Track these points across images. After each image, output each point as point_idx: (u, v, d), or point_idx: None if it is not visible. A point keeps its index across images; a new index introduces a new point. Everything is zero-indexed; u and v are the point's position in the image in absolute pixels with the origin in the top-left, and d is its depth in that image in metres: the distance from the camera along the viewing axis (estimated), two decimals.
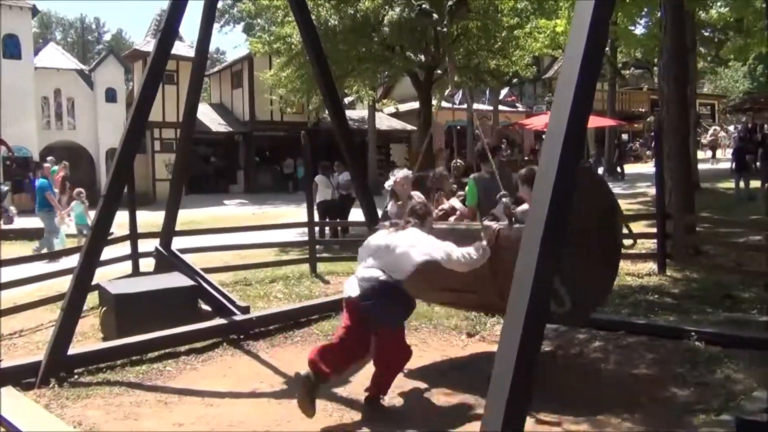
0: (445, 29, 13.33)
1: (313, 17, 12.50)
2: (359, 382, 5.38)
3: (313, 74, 8.39)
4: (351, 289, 4.68)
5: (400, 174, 6.18)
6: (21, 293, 8.20)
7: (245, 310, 6.91)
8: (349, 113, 31.29)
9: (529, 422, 4.34)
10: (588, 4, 2.81)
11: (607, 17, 2.90)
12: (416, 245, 4.62)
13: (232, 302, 6.99)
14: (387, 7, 12.50)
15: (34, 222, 17.71)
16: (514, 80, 34.66)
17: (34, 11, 26.58)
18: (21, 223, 18.80)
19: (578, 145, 2.92)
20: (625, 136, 37.59)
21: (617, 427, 4.28)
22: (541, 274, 2.68)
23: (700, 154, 30.65)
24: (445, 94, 29.89)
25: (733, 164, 18.52)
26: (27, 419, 4.44)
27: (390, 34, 12.48)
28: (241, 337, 6.64)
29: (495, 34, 14.17)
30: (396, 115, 32.00)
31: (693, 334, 5.68)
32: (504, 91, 37.74)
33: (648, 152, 32.69)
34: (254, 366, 5.97)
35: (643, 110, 37.77)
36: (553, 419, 4.45)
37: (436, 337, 6.73)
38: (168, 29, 6.29)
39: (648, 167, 26.13)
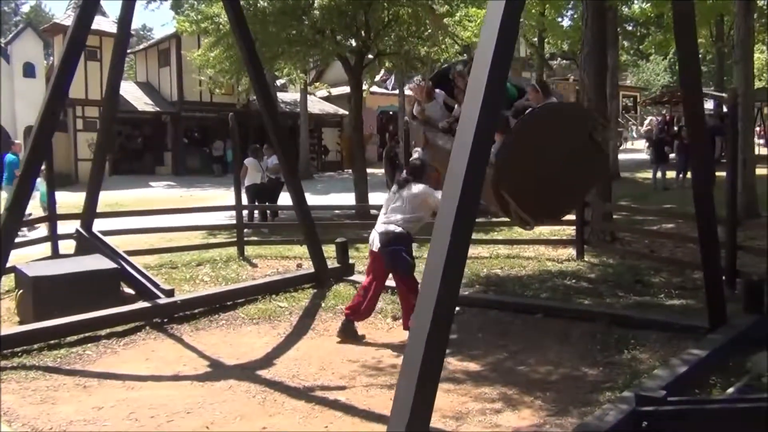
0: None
1: None
2: (284, 367, 5.46)
3: (241, 56, 8.27)
4: (373, 242, 6.07)
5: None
6: None
7: (169, 293, 6.83)
8: (281, 96, 31.06)
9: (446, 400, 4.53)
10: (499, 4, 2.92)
11: (517, 15, 3.00)
12: (425, 198, 5.94)
13: (156, 285, 6.89)
14: None
15: None
16: (444, 66, 35.09)
17: None
18: None
19: (488, 143, 3.02)
20: None
21: (530, 404, 4.48)
22: (450, 272, 2.76)
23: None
24: (376, 78, 30.07)
25: (651, 155, 19.35)
26: None
27: (320, 18, 12.38)
28: (165, 320, 6.57)
29: (425, 21, 14.24)
30: (328, 99, 31.84)
31: (604, 316, 5.99)
32: None
33: None
34: (177, 349, 5.93)
35: (571, 101, 38.88)
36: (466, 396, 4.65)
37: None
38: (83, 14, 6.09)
39: None
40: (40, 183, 12.81)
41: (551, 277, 8.05)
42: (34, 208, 12.37)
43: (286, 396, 4.80)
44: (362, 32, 13.70)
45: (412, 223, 6.06)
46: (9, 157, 13.28)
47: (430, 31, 14.60)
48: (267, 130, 7.70)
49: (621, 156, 22.67)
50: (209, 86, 19.45)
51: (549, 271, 8.47)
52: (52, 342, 5.80)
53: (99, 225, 8.42)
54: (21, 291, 6.63)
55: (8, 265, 6.12)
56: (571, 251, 9.34)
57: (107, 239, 8.06)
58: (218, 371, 5.34)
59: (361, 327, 6.49)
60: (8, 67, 25.52)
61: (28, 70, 25.55)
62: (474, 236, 10.74)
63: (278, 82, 30.99)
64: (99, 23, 25.59)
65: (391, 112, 32.70)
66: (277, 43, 13.23)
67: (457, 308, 5.90)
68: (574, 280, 7.86)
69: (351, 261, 8.52)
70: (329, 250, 8.49)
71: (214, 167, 27.96)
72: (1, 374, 5.08)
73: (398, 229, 5.96)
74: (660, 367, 4.54)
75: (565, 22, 25.90)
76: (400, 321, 6.80)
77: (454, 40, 16.16)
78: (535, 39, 26.31)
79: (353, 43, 13.91)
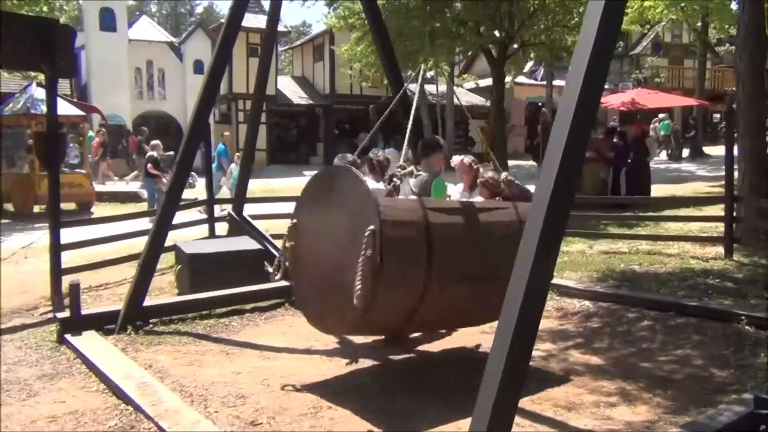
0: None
1: None
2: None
3: (376, 48, 8.58)
4: None
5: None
6: (110, 249, 8.92)
7: None
8: (428, 88, 31.39)
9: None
10: None
11: (617, 16, 2.94)
12: None
13: None
14: None
15: (132, 186, 18.94)
16: None
17: None
18: (120, 187, 20.04)
19: (582, 145, 2.99)
20: (717, 116, 35.94)
21: (647, 401, 4.39)
22: (537, 275, 2.78)
23: None
24: (525, 69, 29.55)
25: None
26: (104, 359, 4.97)
27: (462, 10, 12.50)
28: None
29: (573, 10, 13.90)
30: (476, 90, 31.76)
31: (743, 317, 5.67)
32: None
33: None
34: (312, 328, 6.34)
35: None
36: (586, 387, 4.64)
37: None
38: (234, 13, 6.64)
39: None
40: (234, 168, 14.30)
41: (693, 276, 7.66)
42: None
43: (404, 373, 5.04)
44: (506, 23, 13.65)
45: None
46: (219, 146, 14.98)
47: (577, 19, 14.24)
48: (416, 121, 7.89)
49: None
50: (357, 79, 20.14)
51: (692, 269, 8.06)
52: (203, 312, 6.45)
53: (252, 209, 9.14)
54: (179, 266, 7.41)
55: (172, 243, 6.87)
56: (719, 249, 8.81)
57: (256, 222, 8.76)
58: (346, 348, 5.68)
59: None
60: (181, 65, 27.89)
61: (198, 67, 27.75)
62: (615, 231, 10.64)
63: (428, 75, 31.38)
64: (261, 22, 27.34)
65: (540, 103, 32.01)
66: (420, 37, 13.53)
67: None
68: (717, 280, 7.43)
69: None
70: None
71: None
72: (160, 337, 5.77)
73: None
74: None
75: (734, 5, 24.05)
76: None
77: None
78: (699, 24, 24.61)
79: (497, 34, 13.88)
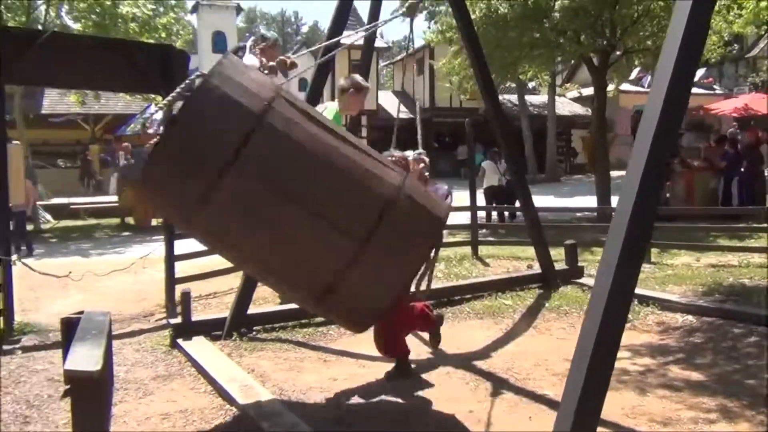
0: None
1: (484, 5, 12.82)
2: (500, 360, 5.73)
3: (468, 59, 8.66)
4: None
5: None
6: (220, 260, 9.41)
7: None
8: (529, 98, 31.08)
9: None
10: None
11: (705, 16, 2.93)
12: None
13: None
14: None
15: None
16: (712, 60, 32.17)
17: (238, 9, 29.33)
18: None
19: (670, 140, 2.98)
20: None
21: (749, 418, 4.23)
22: (622, 280, 2.80)
23: None
24: (631, 77, 28.61)
25: None
26: (212, 363, 5.32)
27: (561, 19, 12.34)
28: None
29: None
30: (579, 99, 31.10)
31: None
32: (700, 72, 35.18)
33: None
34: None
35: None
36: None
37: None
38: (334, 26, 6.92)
39: None
40: None
41: None
42: None
43: (497, 386, 5.07)
44: (607, 31, 13.35)
45: None
46: None
47: None
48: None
49: None
50: (456, 93, 20.25)
51: None
52: (303, 321, 6.71)
53: None
54: None
55: None
56: None
57: None
58: (439, 359, 5.77)
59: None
60: (287, 83, 29.01)
61: (303, 85, 28.70)
62: (726, 243, 10.15)
63: (530, 85, 31.07)
64: (360, 39, 28.04)
65: None
66: (518, 47, 13.47)
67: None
68: None
69: (582, 264, 8.49)
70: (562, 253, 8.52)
71: (461, 170, 28.91)
72: (262, 344, 6.09)
73: None
74: None
75: None
76: (628, 325, 6.68)
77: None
78: None
79: (597, 42, 13.60)
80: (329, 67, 7.17)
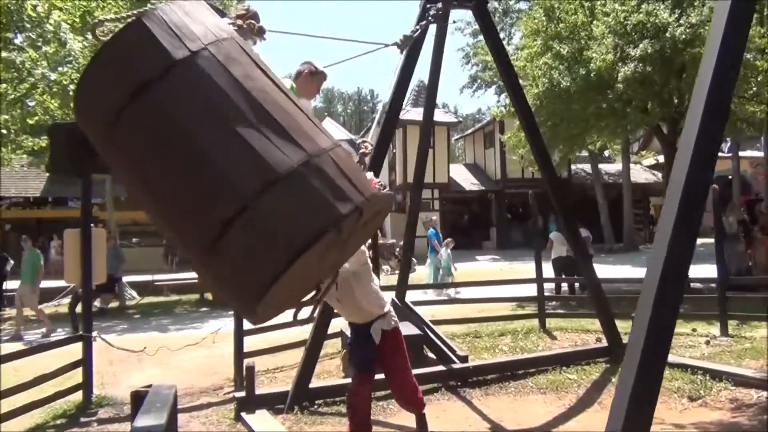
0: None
1: (546, 80, 13.05)
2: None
3: (523, 132, 8.83)
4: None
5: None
6: (289, 335, 9.65)
7: (464, 359, 7.47)
8: (604, 167, 30.78)
9: None
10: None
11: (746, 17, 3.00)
12: None
13: (453, 351, 7.60)
14: (620, 64, 12.48)
15: None
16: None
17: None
18: None
19: (714, 150, 3.03)
20: None
21: None
22: (664, 299, 2.82)
23: None
24: None
25: None
26: None
27: (624, 90, 12.39)
28: (459, 384, 7.19)
29: (750, 79, 13.23)
30: (656, 167, 30.53)
31: None
32: None
33: None
34: (465, 411, 6.46)
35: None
36: None
37: None
38: (392, 103, 7.27)
39: None
40: (444, 252, 15.34)
41: None
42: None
43: None
44: (675, 99, 13.29)
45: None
46: (430, 231, 16.62)
47: (755, 89, 13.52)
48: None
49: None
50: (525, 164, 20.36)
51: None
52: None
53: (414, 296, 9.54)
54: (344, 351, 7.90)
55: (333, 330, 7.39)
56: None
57: (419, 308, 9.12)
58: None
59: None
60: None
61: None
62: None
63: (606, 153, 30.82)
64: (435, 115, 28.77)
65: (729, 176, 29.97)
66: (582, 119, 13.56)
67: None
68: None
69: None
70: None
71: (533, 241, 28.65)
72: (323, 417, 6.20)
73: None
74: None
75: None
76: (699, 401, 6.43)
77: None
78: None
79: (665, 110, 13.53)
80: (389, 139, 7.48)
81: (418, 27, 6.14)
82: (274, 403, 6.45)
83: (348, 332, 7.98)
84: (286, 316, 9.20)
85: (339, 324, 8.28)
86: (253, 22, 4.94)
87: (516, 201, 31.44)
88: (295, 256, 2.92)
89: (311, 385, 6.67)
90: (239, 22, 4.52)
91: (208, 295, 16.84)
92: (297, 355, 8.76)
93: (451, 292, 13.70)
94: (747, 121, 14.30)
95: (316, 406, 6.53)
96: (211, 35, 3.17)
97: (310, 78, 4.77)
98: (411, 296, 9.63)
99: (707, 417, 5.94)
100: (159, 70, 2.98)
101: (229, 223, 2.89)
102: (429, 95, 8.92)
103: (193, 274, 19.25)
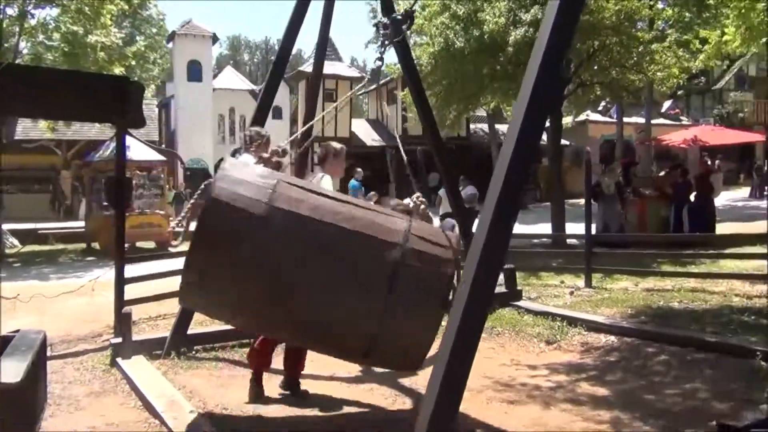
0: (577, 45, 13.50)
1: (442, 40, 13.33)
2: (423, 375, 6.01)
3: (411, 96, 9.09)
4: None
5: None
6: (172, 283, 9.62)
7: None
8: (502, 127, 31.67)
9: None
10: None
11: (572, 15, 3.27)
12: None
13: None
14: (512, 27, 12.91)
15: None
16: (679, 92, 33.15)
17: (214, 39, 29.81)
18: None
19: (535, 140, 3.30)
20: None
21: (636, 429, 4.56)
22: (479, 291, 3.12)
23: None
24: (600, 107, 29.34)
25: None
26: (144, 380, 5.56)
27: (515, 53, 12.84)
28: None
29: (632, 50, 13.99)
30: (547, 129, 31.79)
31: (758, 353, 5.68)
32: (667, 104, 36.15)
33: None
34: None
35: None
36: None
37: (514, 342, 7.14)
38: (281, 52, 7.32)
39: None
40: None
41: (730, 313, 7.60)
42: None
43: (415, 401, 5.36)
44: (562, 64, 13.89)
45: None
46: (352, 182, 16.17)
47: (635, 59, 14.31)
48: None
49: None
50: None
51: (731, 306, 7.99)
52: (243, 341, 6.96)
53: None
54: None
55: None
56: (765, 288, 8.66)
57: None
58: (366, 375, 6.05)
59: (511, 348, 6.86)
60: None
61: (277, 113, 29.18)
62: (668, 269, 10.52)
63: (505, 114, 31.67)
64: (335, 68, 28.62)
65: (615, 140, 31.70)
66: (476, 80, 13.97)
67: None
68: (753, 317, 7.36)
69: (527, 287, 8.88)
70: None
71: (431, 197, 29.36)
72: (199, 362, 6.34)
73: None
74: None
75: None
76: (554, 345, 7.01)
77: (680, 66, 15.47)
78: None
79: None
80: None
81: None
82: (152, 349, 6.52)
83: None
84: (169, 263, 9.08)
85: None
86: (276, 149, 5.24)
87: (416, 157, 31.99)
88: (428, 349, 4.18)
89: (190, 331, 6.77)
90: (266, 155, 4.91)
91: (96, 244, 16.40)
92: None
93: None
94: (627, 89, 15.16)
95: (194, 352, 6.65)
96: (264, 191, 3.99)
97: (335, 159, 5.60)
98: None
99: (559, 359, 6.52)
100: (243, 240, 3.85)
101: (367, 354, 4.24)
102: (319, 48, 8.96)
103: (81, 223, 18.65)
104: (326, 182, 5.54)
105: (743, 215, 18.68)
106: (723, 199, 22.61)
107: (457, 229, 5.96)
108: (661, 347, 6.41)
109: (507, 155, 3.19)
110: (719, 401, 5.00)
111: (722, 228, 14.74)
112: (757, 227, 15.75)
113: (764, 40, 18.86)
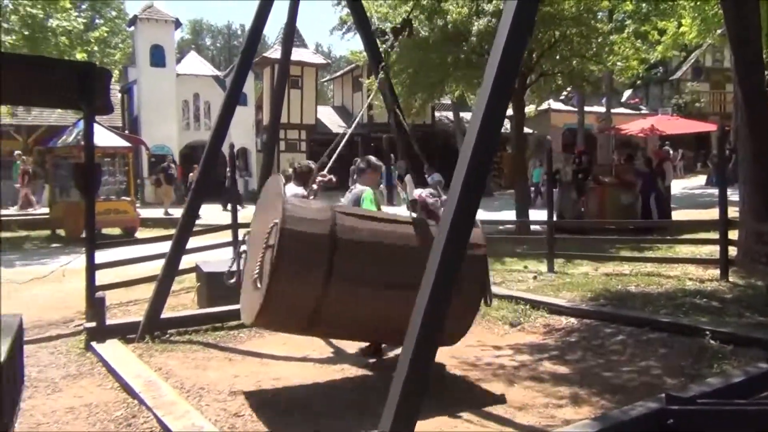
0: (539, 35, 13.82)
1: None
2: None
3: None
4: None
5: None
6: (145, 269, 9.68)
7: None
8: (466, 115, 32.01)
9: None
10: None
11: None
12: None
13: None
14: (475, 17, 13.15)
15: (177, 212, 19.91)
16: (638, 82, 33.90)
17: (177, 23, 29.41)
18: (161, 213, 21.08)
19: (497, 130, 3.48)
20: None
21: (593, 403, 4.84)
22: (437, 294, 3.30)
23: None
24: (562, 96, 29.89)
25: None
26: (120, 362, 5.68)
27: (478, 42, 13.07)
28: None
29: (592, 40, 14.36)
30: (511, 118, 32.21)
31: (707, 332, 6.04)
32: (627, 93, 36.91)
33: None
34: (312, 338, 6.94)
35: None
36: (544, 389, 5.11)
37: (480, 325, 7.41)
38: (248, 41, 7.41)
39: None
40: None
41: (683, 296, 7.97)
42: None
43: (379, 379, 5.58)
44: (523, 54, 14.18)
45: None
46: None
47: (595, 49, 14.68)
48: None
49: None
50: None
51: (685, 290, 8.38)
52: (216, 324, 7.11)
53: None
54: (199, 284, 8.13)
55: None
56: (717, 272, 9.09)
57: None
58: (338, 357, 6.26)
59: (478, 332, 7.12)
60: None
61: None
62: (626, 254, 10.93)
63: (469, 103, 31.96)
64: (301, 55, 28.53)
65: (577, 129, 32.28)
66: (440, 68, 14.18)
67: None
68: (705, 300, 7.73)
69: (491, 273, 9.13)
70: None
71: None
72: (173, 345, 6.47)
73: None
74: (717, 375, 4.67)
75: None
76: (518, 327, 7.31)
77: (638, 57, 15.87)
78: None
79: None
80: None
81: None
82: (125, 333, 6.62)
83: (202, 266, 8.23)
84: (144, 249, 9.11)
85: (194, 260, 8.50)
86: (321, 177, 5.53)
87: (382, 145, 32.13)
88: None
89: (163, 316, 6.89)
90: (315, 187, 5.72)
91: (61, 231, 16.25)
92: (152, 289, 8.90)
93: None
94: (587, 79, 15.54)
95: (168, 335, 6.77)
96: (323, 224, 4.64)
97: (373, 173, 6.34)
98: None
99: (522, 339, 6.81)
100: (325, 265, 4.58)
101: None
102: (286, 34, 9.06)
103: (44, 210, 18.40)
104: (368, 196, 5.92)
105: (699, 202, 19.34)
106: (680, 186, 23.33)
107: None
108: (618, 328, 6.74)
109: (471, 142, 3.37)
110: (671, 377, 5.33)
111: (678, 215, 15.28)
112: (712, 214, 16.36)
113: (719, 31, 19.50)
